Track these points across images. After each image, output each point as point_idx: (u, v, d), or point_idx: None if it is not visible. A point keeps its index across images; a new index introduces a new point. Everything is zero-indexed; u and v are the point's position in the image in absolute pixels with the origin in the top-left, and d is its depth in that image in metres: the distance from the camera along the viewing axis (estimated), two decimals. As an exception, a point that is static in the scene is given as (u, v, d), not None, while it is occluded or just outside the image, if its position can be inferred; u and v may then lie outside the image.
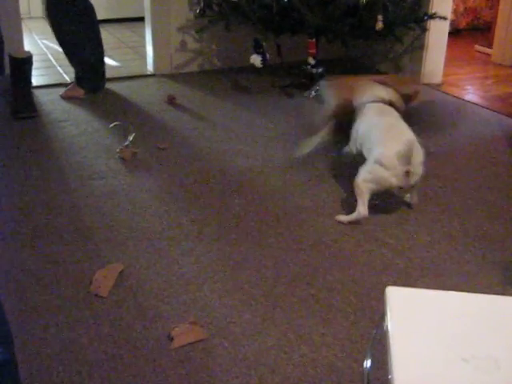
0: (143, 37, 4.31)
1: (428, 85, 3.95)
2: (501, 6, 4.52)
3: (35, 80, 3.78)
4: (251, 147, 2.97)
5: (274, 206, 2.40)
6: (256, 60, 3.69)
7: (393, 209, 2.40)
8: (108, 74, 3.78)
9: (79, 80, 3.62)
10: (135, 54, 4.69)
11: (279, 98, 3.69)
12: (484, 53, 4.78)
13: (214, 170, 2.72)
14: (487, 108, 3.60)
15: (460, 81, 4.14)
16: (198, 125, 3.27)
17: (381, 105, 2.52)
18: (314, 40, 3.66)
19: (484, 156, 2.90)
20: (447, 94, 3.85)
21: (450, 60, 4.11)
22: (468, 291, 1.08)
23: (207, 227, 2.25)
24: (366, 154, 2.37)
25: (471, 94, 3.91)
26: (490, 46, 4.70)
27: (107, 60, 3.92)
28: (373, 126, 2.41)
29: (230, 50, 4.23)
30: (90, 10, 3.51)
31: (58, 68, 4.21)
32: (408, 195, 2.38)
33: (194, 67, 4.23)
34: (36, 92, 3.64)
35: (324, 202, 2.44)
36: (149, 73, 4.19)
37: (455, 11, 5.22)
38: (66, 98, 3.60)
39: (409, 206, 2.39)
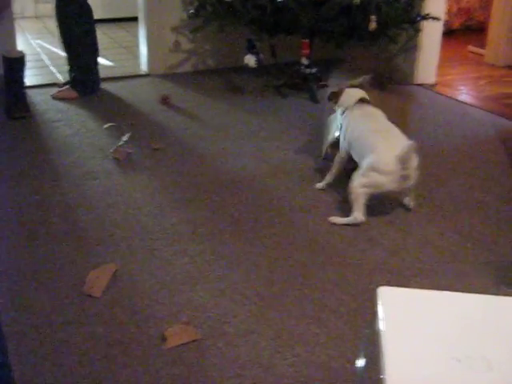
0: (137, 37, 4.30)
1: (421, 85, 3.96)
2: (494, 7, 4.53)
3: (28, 80, 3.76)
4: (245, 147, 2.97)
5: (268, 206, 2.41)
6: (250, 60, 3.69)
7: (386, 209, 2.40)
8: (102, 74, 3.78)
9: (75, 82, 3.62)
10: (129, 53, 4.68)
11: (273, 98, 3.69)
12: (477, 53, 4.80)
13: (208, 169, 2.72)
14: (480, 108, 3.61)
15: (453, 81, 4.15)
16: (191, 125, 3.27)
17: (369, 107, 2.51)
18: (307, 40, 3.66)
19: (477, 156, 2.91)
20: (441, 94, 3.86)
21: (443, 60, 4.12)
22: (461, 291, 1.09)
23: (201, 227, 2.25)
24: (356, 157, 2.37)
25: (464, 94, 3.92)
26: (483, 46, 4.72)
27: (101, 60, 3.91)
28: (365, 130, 2.39)
29: (223, 50, 4.23)
30: (90, 12, 3.52)
31: (51, 68, 4.20)
32: (407, 198, 2.39)
33: (187, 67, 4.22)
34: (29, 92, 3.63)
35: (317, 202, 2.44)
36: (143, 73, 4.19)
37: (448, 12, 5.22)
38: (58, 98, 3.59)
39: (407, 208, 2.40)
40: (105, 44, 4.84)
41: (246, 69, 3.77)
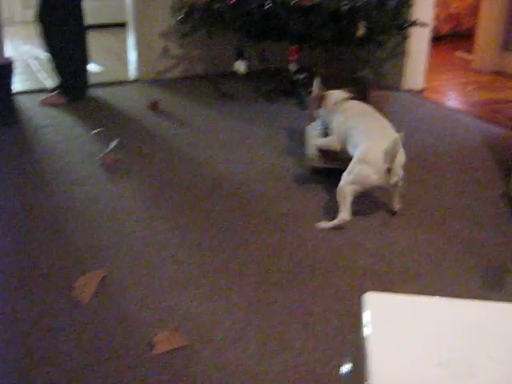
0: (126, 43, 4.30)
1: (409, 91, 3.98)
2: (481, 13, 4.57)
3: (16, 86, 3.75)
4: (234, 153, 2.97)
5: (256, 212, 2.41)
6: (240, 66, 3.70)
7: (374, 214, 2.41)
8: (91, 80, 3.77)
9: (62, 88, 3.61)
10: (118, 59, 4.68)
11: (262, 104, 3.70)
12: (465, 59, 4.83)
13: (197, 175, 2.72)
14: (468, 114, 3.64)
15: (441, 87, 4.18)
16: (180, 130, 3.27)
17: (361, 104, 2.56)
18: (296, 46, 3.68)
19: (465, 162, 2.93)
20: (428, 100, 3.88)
21: (431, 66, 4.14)
22: (449, 296, 1.09)
23: (189, 233, 2.25)
24: (350, 151, 2.38)
25: (452, 100, 3.95)
26: (471, 52, 4.75)
27: (90, 66, 3.91)
28: (358, 123, 2.42)
29: (212, 56, 4.24)
30: (81, 17, 3.50)
31: (39, 74, 4.19)
32: (393, 201, 2.39)
33: (176, 73, 4.23)
34: (17, 98, 3.62)
35: (306, 207, 2.45)
36: (131, 79, 4.19)
37: (437, 18, 5.26)
38: (45, 105, 3.57)
39: (392, 212, 2.40)
40: (93, 50, 4.83)
41: (234, 75, 3.78)
